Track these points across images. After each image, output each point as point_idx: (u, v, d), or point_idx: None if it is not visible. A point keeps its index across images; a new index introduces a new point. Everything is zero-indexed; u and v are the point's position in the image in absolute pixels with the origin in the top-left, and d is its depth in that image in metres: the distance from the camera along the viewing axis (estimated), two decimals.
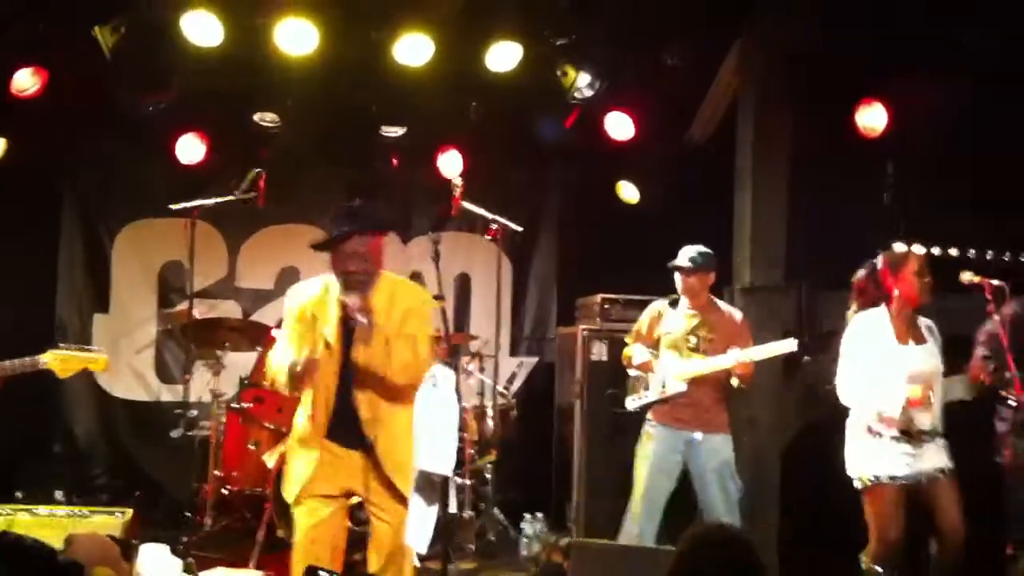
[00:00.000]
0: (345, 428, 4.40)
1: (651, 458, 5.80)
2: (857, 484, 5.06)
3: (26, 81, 6.83)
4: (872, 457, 5.01)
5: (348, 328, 4.35)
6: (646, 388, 5.90)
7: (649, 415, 5.89)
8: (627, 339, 6.15)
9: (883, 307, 5.13)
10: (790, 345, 5.59)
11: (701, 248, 5.87)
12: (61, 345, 4.47)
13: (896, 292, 5.09)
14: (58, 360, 4.41)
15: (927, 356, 5.08)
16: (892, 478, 4.97)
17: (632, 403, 5.98)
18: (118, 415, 8.01)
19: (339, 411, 4.40)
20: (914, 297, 5.09)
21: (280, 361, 4.44)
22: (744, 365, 5.58)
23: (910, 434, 4.95)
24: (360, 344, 4.31)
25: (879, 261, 5.19)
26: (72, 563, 2.20)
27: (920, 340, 5.11)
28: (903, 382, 4.92)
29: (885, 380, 4.95)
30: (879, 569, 4.98)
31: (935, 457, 5.02)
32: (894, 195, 7.02)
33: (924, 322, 5.19)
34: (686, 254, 5.84)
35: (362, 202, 4.36)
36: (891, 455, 4.98)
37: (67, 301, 7.99)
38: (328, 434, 4.41)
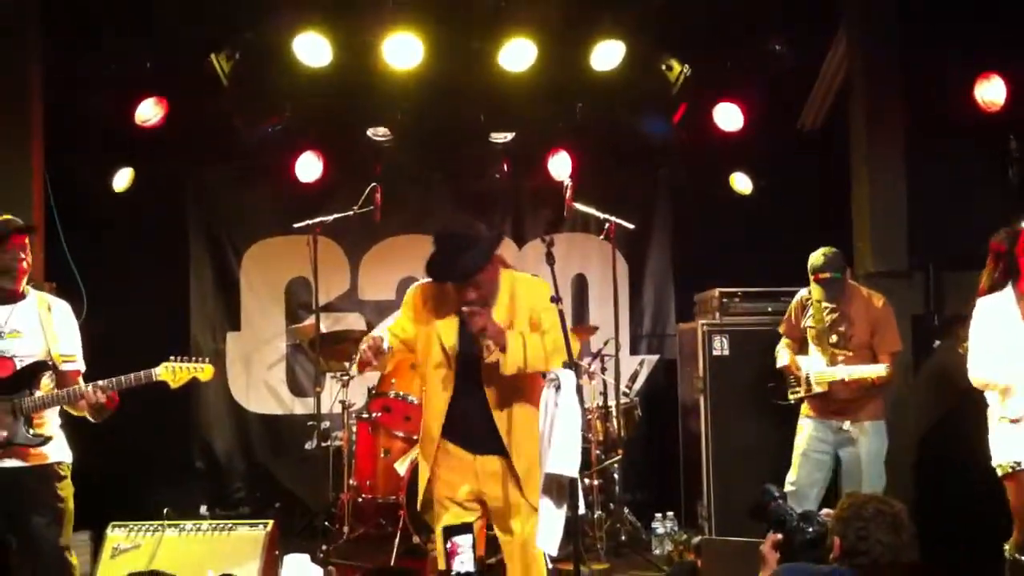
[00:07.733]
0: (467, 431, 4.34)
1: (802, 449, 5.85)
2: (999, 472, 4.87)
3: (148, 112, 7.11)
4: (1011, 444, 4.82)
5: (468, 330, 4.26)
6: (800, 382, 5.89)
7: (803, 407, 5.92)
8: (780, 329, 6.14)
9: (1009, 288, 4.95)
10: (878, 370, 5.55)
11: (830, 250, 5.76)
12: (171, 358, 4.72)
13: None
14: (169, 372, 4.68)
15: None
16: None
17: (793, 396, 5.97)
18: (254, 429, 8.25)
19: (456, 414, 4.33)
20: None
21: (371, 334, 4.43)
22: (879, 376, 5.54)
23: None
24: (488, 345, 4.20)
25: (1019, 229, 4.98)
26: None
27: None
28: None
29: (1015, 359, 4.77)
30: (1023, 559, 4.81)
31: None
32: (1019, 171, 6.77)
33: None
34: (827, 265, 5.73)
35: (456, 231, 4.31)
36: None
37: (201, 322, 8.25)
38: (446, 436, 4.34)
